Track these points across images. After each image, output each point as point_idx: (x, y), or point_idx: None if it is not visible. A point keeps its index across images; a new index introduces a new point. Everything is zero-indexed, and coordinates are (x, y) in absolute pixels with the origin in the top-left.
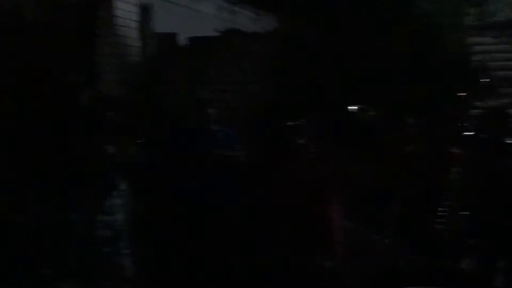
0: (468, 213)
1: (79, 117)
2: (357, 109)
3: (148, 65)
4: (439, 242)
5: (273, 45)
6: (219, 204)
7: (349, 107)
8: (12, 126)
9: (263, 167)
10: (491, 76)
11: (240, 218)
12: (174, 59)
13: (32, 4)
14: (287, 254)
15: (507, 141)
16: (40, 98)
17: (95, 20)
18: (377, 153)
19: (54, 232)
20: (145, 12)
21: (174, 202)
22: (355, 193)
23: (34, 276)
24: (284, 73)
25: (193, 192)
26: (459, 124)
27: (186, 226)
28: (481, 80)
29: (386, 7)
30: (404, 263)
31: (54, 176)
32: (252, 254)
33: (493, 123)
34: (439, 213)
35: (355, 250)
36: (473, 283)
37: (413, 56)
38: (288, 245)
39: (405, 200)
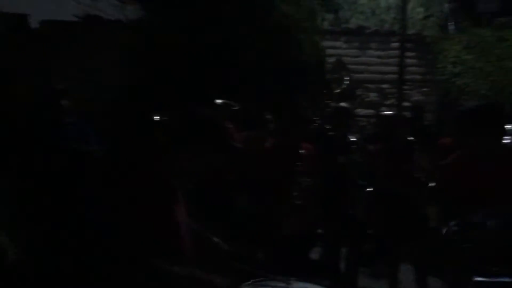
0: (319, 207)
1: None
2: (219, 104)
3: None
4: (289, 236)
5: (137, 35)
6: (69, 202)
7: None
8: None
9: (119, 162)
10: (343, 78)
11: (93, 217)
12: (23, 43)
13: None
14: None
15: (351, 138)
16: None
17: None
18: (230, 150)
19: None
20: None
21: (19, 201)
22: (205, 190)
23: None
24: (145, 65)
25: (40, 190)
26: (313, 123)
27: (32, 227)
28: (334, 81)
29: (248, 5)
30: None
31: None
32: (103, 255)
33: (338, 122)
34: (289, 208)
35: (199, 250)
36: (319, 272)
37: (272, 56)
38: (136, 245)
39: (255, 197)
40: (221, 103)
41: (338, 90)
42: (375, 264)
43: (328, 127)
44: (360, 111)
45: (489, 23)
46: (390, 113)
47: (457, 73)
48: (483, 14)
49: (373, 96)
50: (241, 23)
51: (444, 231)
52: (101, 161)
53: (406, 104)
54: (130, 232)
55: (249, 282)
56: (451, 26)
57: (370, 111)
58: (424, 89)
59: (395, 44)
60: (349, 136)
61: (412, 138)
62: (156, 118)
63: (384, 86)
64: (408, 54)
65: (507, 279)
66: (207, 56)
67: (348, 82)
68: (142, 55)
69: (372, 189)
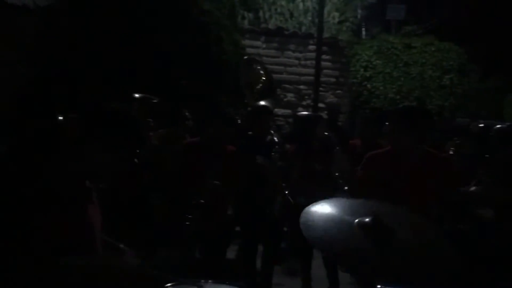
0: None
1: None
2: (138, 98)
3: None
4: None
5: (44, 23)
6: None
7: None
8: None
9: (21, 162)
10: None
11: None
12: None
13: None
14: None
15: (268, 138)
16: None
17: None
18: (144, 146)
19: None
20: None
21: None
22: (118, 189)
23: None
24: (50, 58)
25: None
26: (233, 122)
27: None
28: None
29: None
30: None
31: None
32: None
33: (257, 121)
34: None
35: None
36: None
37: (192, 52)
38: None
39: (168, 196)
40: (140, 97)
41: (257, 88)
42: (288, 261)
43: (247, 126)
44: (278, 110)
45: (398, 31)
46: (307, 113)
47: (368, 77)
48: (392, 22)
49: (290, 96)
50: (159, 17)
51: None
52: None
53: (321, 105)
54: (33, 233)
55: None
56: (363, 32)
57: (287, 111)
58: (338, 91)
59: (312, 47)
60: (270, 136)
61: (329, 138)
62: (65, 114)
63: (301, 87)
64: (324, 57)
65: None
66: (123, 49)
67: (264, 79)
68: (49, 45)
69: (287, 190)
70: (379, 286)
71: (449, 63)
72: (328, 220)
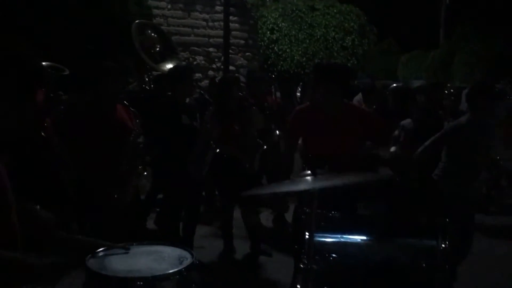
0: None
1: None
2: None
3: None
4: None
5: None
6: None
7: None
8: None
9: None
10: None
11: None
12: None
13: None
14: None
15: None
16: None
17: None
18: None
19: None
20: None
21: None
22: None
23: None
24: None
25: None
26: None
27: None
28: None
29: None
30: None
31: None
32: None
33: (176, 84)
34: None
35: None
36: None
37: (93, 13)
38: None
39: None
40: (47, 65)
41: (155, 51)
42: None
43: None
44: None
45: None
46: (224, 76)
47: (275, 40)
48: None
49: (199, 59)
50: None
51: None
52: None
53: (231, 68)
54: None
55: (90, 256)
56: None
57: (198, 75)
58: (248, 54)
59: (219, 8)
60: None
61: (245, 99)
62: None
63: (210, 49)
64: (232, 18)
65: None
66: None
67: (160, 42)
68: None
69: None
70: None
71: (350, 25)
72: None
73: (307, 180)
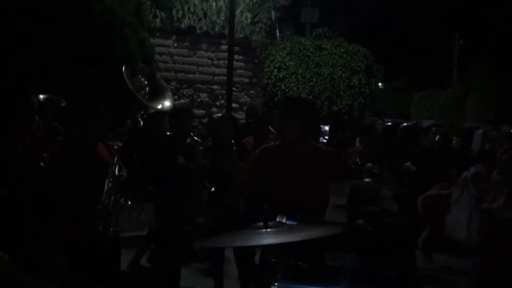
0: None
1: None
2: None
3: None
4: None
5: None
6: None
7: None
8: None
9: None
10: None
11: None
12: None
13: None
14: None
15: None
16: None
17: None
18: None
19: None
20: None
21: None
22: None
23: None
24: None
25: None
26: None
27: None
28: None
29: None
30: None
31: None
32: None
33: (173, 123)
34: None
35: None
36: None
37: (92, 51)
38: None
39: None
40: (45, 98)
41: (143, 92)
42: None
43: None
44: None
45: (310, 33)
46: (218, 114)
47: (282, 78)
48: (306, 24)
49: (203, 96)
50: (59, 15)
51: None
52: None
53: (235, 105)
54: None
55: None
56: (278, 33)
57: (201, 111)
58: (252, 92)
59: (225, 47)
60: (191, 137)
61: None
62: None
63: (215, 87)
64: (237, 57)
65: None
66: (23, 47)
67: (149, 85)
68: None
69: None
70: None
71: (357, 64)
72: None
73: (265, 234)
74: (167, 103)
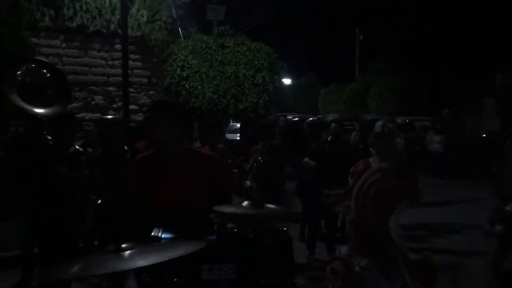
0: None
1: None
2: None
3: None
4: None
5: None
6: None
7: None
8: None
9: None
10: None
11: None
12: None
13: None
14: None
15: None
16: None
17: None
18: None
19: None
20: None
21: None
22: None
23: None
24: None
25: None
26: None
27: None
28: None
29: None
30: None
31: None
32: None
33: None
34: None
35: None
36: None
37: None
38: None
39: None
40: None
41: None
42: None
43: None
44: (86, 115)
45: (213, 31)
46: (109, 117)
47: (185, 77)
48: (208, 22)
49: (98, 99)
50: None
51: None
52: None
53: (133, 107)
54: None
55: None
56: (181, 31)
57: (96, 115)
58: (151, 92)
59: (119, 46)
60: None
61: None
62: None
63: (110, 88)
64: (133, 56)
65: None
66: None
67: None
68: None
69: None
70: None
71: (260, 62)
72: None
73: (118, 258)
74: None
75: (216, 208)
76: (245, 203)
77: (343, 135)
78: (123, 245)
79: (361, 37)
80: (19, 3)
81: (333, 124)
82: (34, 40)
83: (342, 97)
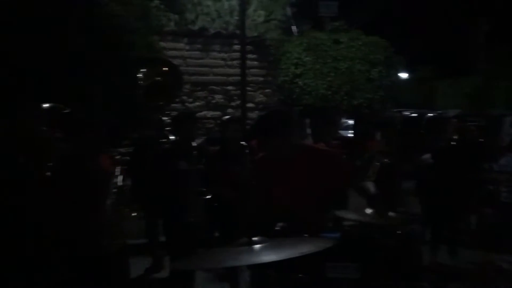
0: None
1: None
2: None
3: None
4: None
5: None
6: None
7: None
8: None
9: None
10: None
11: None
12: None
13: None
14: None
15: (193, 143)
16: None
17: None
18: None
19: None
20: None
21: None
22: None
23: None
24: None
25: None
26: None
27: None
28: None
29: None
30: None
31: None
32: None
33: (177, 127)
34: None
35: None
36: None
37: (100, 58)
38: None
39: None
40: (49, 107)
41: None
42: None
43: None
44: (207, 113)
45: (326, 27)
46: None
47: (299, 74)
48: (321, 18)
49: (218, 98)
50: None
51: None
52: None
53: (250, 105)
54: None
55: None
56: (295, 29)
57: (217, 113)
58: (267, 90)
59: (237, 47)
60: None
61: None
62: None
63: (229, 88)
64: (250, 56)
65: None
66: (26, 57)
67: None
68: None
69: (210, 195)
70: None
71: (376, 57)
72: None
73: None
74: None
75: (339, 213)
76: (369, 210)
77: (468, 132)
78: (254, 239)
79: (485, 27)
80: (150, 11)
81: (455, 120)
82: (161, 44)
83: (463, 91)
